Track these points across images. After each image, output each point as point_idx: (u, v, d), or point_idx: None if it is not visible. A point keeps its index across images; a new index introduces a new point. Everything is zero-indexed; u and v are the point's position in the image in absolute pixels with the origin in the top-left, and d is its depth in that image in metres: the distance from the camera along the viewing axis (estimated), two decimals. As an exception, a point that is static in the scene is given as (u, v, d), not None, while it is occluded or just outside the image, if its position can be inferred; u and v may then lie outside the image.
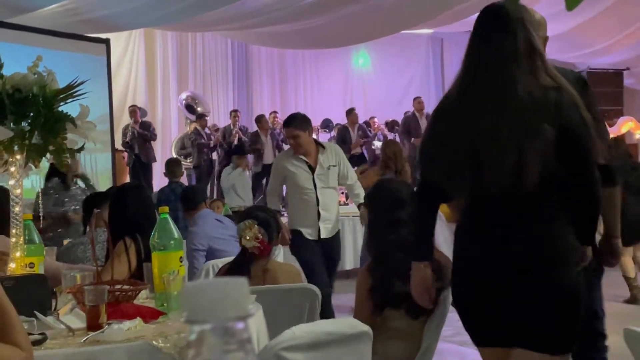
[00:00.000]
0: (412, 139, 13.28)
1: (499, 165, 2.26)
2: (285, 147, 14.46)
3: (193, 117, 13.97)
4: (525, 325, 2.28)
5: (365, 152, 13.98)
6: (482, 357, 2.47)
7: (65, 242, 4.53)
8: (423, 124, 13.48)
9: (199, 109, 14.30)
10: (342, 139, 13.72)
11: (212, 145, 13.28)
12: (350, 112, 14.18)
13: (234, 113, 13.99)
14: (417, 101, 13.87)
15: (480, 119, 2.31)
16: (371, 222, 3.14)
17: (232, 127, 13.59)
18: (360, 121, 14.63)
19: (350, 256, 9.54)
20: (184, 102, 14.57)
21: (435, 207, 2.56)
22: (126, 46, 15.24)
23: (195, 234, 5.70)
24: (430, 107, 17.95)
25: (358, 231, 9.23)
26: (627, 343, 2.10)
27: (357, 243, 9.46)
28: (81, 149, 2.70)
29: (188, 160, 13.19)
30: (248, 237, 3.42)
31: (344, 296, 7.40)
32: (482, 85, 2.35)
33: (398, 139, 14.30)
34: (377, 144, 13.48)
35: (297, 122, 5.55)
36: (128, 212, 3.40)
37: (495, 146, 2.27)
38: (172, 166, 8.92)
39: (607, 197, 2.60)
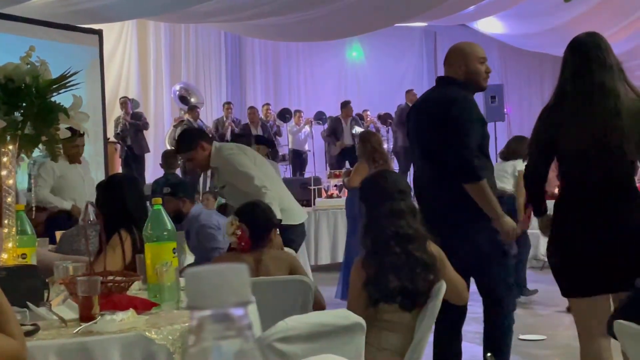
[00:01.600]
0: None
1: (604, 157, 3.08)
2: (284, 139, 14.54)
3: (186, 108, 13.93)
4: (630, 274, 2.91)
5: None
6: (588, 306, 3.18)
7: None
8: None
9: (192, 99, 14.25)
10: (334, 130, 13.71)
11: (204, 137, 13.25)
12: (345, 105, 14.15)
13: (227, 105, 13.97)
14: (411, 93, 13.89)
15: (592, 117, 3.09)
16: (369, 215, 3.09)
17: (224, 119, 13.58)
18: (354, 114, 14.63)
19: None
20: (177, 93, 14.51)
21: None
22: (119, 37, 15.18)
23: (207, 215, 5.46)
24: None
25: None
26: (616, 334, 2.13)
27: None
28: (73, 139, 2.69)
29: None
30: (229, 233, 3.45)
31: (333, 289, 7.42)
32: (589, 90, 3.13)
33: (390, 132, 14.35)
34: (358, 129, 13.44)
35: (183, 144, 4.96)
36: (123, 203, 3.39)
37: (604, 141, 3.06)
38: (168, 158, 8.89)
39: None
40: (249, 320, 0.56)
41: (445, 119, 3.62)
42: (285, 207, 4.82)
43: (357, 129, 13.37)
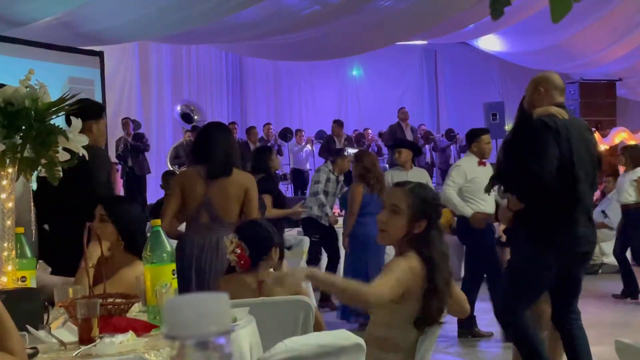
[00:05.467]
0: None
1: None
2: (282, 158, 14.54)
3: (189, 127, 13.86)
4: None
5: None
6: None
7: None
8: (408, 133, 13.55)
9: (195, 117, 14.19)
10: (327, 147, 13.70)
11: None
12: (336, 124, 14.13)
13: (231, 125, 13.99)
14: (401, 111, 13.94)
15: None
16: (430, 231, 2.86)
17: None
18: (354, 132, 14.64)
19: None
20: (179, 111, 14.43)
21: None
22: (120, 58, 15.24)
23: None
24: (424, 118, 18.04)
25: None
26: (618, 354, 2.12)
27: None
28: (72, 161, 2.69)
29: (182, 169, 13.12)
30: (229, 251, 3.44)
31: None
32: None
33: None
34: (351, 150, 13.39)
35: None
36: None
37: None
38: (168, 178, 8.86)
39: None
40: (229, 349, 0.55)
41: None
42: None
43: (350, 151, 13.32)
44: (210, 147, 4.30)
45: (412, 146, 8.38)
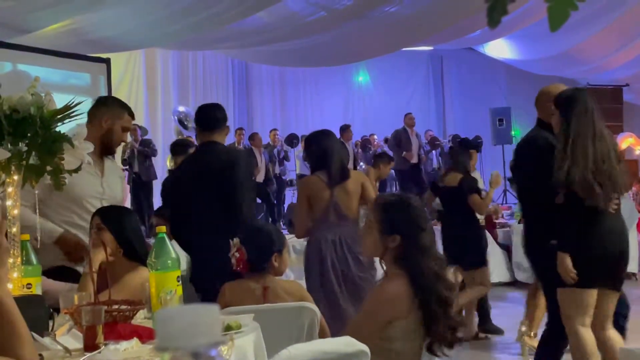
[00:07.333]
0: (403, 152, 13.33)
1: None
2: (287, 164, 14.56)
3: (184, 131, 13.81)
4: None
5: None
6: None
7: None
8: (414, 139, 13.56)
9: (190, 125, 14.12)
10: None
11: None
12: (345, 130, 14.14)
13: (239, 131, 13.99)
14: (408, 117, 13.96)
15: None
16: (405, 248, 2.72)
17: (236, 144, 13.61)
18: (360, 138, 14.64)
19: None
20: (176, 117, 14.28)
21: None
22: (127, 64, 15.27)
23: None
24: (430, 124, 18.02)
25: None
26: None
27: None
28: (78, 169, 2.70)
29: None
30: (230, 254, 3.46)
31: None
32: None
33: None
34: (362, 164, 13.48)
35: None
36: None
37: None
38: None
39: None
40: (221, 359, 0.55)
41: None
42: None
43: (362, 165, 13.36)
44: (328, 157, 4.79)
45: (477, 148, 8.55)
